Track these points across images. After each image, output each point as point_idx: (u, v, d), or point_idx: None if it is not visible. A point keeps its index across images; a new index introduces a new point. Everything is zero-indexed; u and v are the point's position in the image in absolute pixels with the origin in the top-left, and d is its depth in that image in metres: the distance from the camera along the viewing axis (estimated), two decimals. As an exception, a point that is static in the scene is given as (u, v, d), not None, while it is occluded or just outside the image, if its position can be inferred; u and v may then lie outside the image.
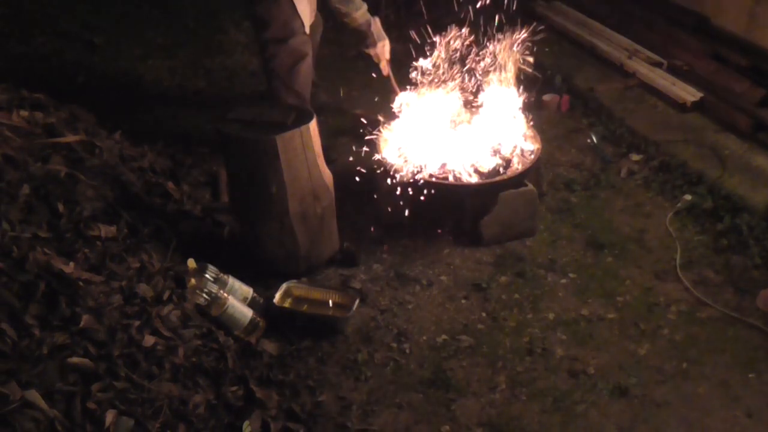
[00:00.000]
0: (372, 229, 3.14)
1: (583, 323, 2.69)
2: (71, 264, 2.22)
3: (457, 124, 3.35)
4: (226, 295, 2.55)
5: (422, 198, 3.01)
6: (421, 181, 3.01)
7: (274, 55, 3.36)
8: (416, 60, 3.33)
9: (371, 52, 3.50)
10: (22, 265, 2.09)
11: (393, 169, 3.06)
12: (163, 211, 2.93)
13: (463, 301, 2.81)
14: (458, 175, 3.07)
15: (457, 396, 2.41)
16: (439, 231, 3.12)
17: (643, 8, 4.59)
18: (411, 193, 3.02)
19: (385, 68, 3.55)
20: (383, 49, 3.50)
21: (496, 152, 3.16)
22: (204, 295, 2.51)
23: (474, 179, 3.06)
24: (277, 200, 2.72)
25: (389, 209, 3.11)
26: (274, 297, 2.72)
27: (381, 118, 3.33)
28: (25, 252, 2.13)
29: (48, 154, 2.65)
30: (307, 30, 3.39)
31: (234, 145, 2.73)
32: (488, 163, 3.12)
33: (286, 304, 2.76)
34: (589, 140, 3.77)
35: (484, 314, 2.75)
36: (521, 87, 3.30)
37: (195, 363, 2.30)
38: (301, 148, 2.68)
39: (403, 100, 3.32)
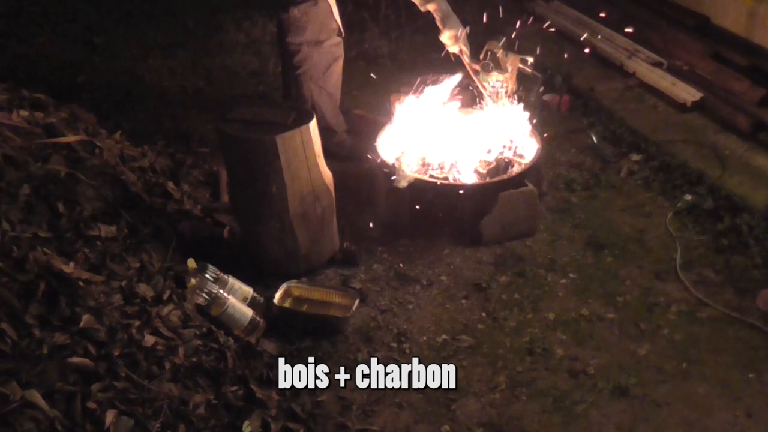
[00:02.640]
0: (372, 228, 3.14)
1: (583, 323, 2.69)
2: (71, 264, 2.22)
3: (457, 123, 3.35)
4: (226, 295, 2.55)
5: (422, 198, 3.01)
6: (422, 181, 3.01)
7: (308, 57, 3.31)
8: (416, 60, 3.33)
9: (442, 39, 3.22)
10: (22, 265, 2.09)
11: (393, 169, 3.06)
12: (163, 211, 2.93)
13: (463, 301, 2.81)
14: (458, 175, 3.07)
15: (457, 396, 2.41)
16: (440, 231, 3.12)
17: (643, 8, 4.60)
18: (411, 193, 3.03)
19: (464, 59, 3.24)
20: (451, 38, 3.18)
21: (495, 152, 3.16)
22: (204, 295, 2.51)
23: (474, 179, 3.06)
24: (277, 200, 2.72)
25: (389, 209, 3.11)
26: (274, 297, 2.72)
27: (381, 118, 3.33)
28: (25, 252, 2.13)
29: (48, 154, 2.65)
30: (342, 32, 3.36)
31: (234, 145, 2.73)
32: (488, 163, 3.12)
33: (286, 304, 2.76)
34: (589, 140, 3.78)
35: (484, 314, 2.75)
36: (521, 87, 3.30)
37: (195, 363, 2.30)
38: (301, 148, 2.68)
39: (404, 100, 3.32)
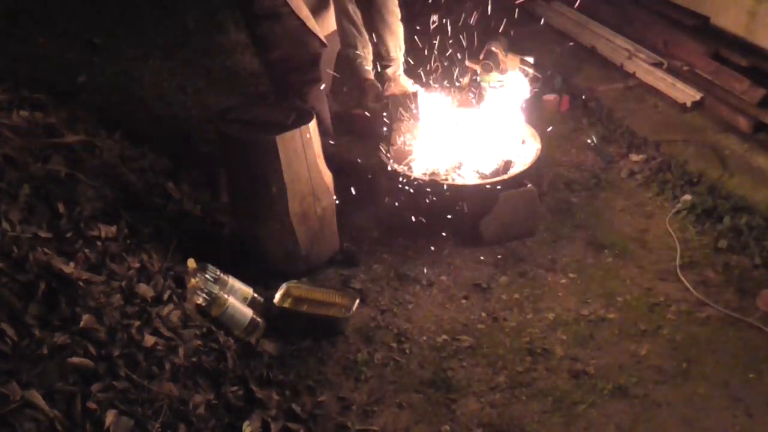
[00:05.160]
0: (372, 228, 3.14)
1: (584, 323, 2.69)
2: (71, 264, 2.22)
3: (457, 124, 3.35)
4: (226, 295, 2.55)
5: (422, 198, 3.01)
6: (422, 182, 3.01)
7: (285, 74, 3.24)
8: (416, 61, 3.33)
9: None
10: (22, 265, 2.09)
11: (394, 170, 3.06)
12: (163, 211, 2.93)
13: (464, 301, 2.81)
14: (458, 175, 3.07)
15: (457, 396, 2.41)
16: (440, 231, 3.12)
17: (643, 8, 4.59)
18: (411, 193, 3.03)
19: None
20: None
21: (496, 152, 3.16)
22: (204, 295, 2.51)
23: (474, 179, 3.06)
24: (277, 200, 2.72)
25: (389, 209, 3.11)
26: (274, 297, 2.72)
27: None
28: (25, 252, 2.13)
29: (48, 154, 2.65)
30: (325, 43, 3.22)
31: (234, 145, 2.73)
32: (488, 163, 3.12)
33: (286, 304, 2.76)
34: (589, 140, 3.78)
35: (484, 314, 2.74)
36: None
37: (195, 363, 2.30)
38: (301, 148, 2.68)
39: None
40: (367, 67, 3.30)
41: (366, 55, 3.24)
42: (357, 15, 3.14)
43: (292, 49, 3.15)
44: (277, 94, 3.38)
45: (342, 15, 3.15)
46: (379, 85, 3.35)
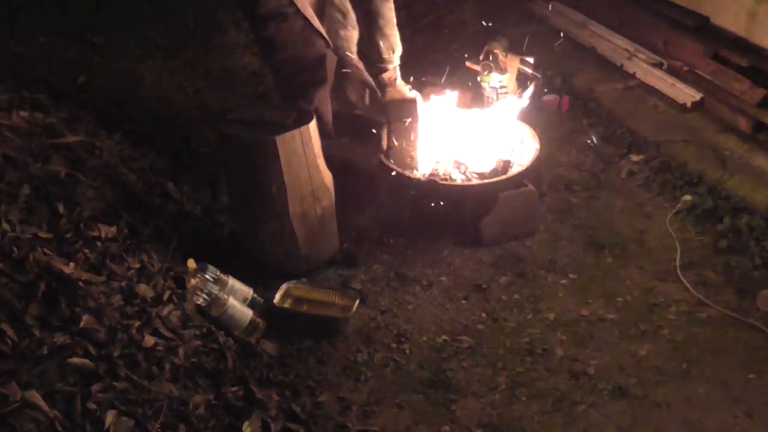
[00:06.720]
0: (372, 229, 3.13)
1: (584, 323, 2.69)
2: (71, 264, 2.22)
3: (457, 124, 3.35)
4: (226, 295, 2.55)
5: (423, 198, 3.01)
6: (422, 182, 3.01)
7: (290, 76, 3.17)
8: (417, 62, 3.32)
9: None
10: (22, 265, 2.09)
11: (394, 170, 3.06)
12: (163, 211, 2.93)
13: (463, 302, 2.81)
14: (458, 176, 3.07)
15: (457, 396, 2.41)
16: (440, 231, 3.12)
17: (643, 8, 4.59)
18: (412, 193, 3.03)
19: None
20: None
21: (496, 153, 3.16)
22: (204, 295, 2.51)
23: (474, 179, 3.07)
24: (277, 200, 2.72)
25: (389, 209, 3.12)
26: (274, 297, 2.72)
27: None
28: (25, 252, 2.13)
29: (48, 154, 2.65)
30: (330, 43, 3.18)
31: (234, 145, 2.73)
32: (488, 164, 3.12)
33: (286, 305, 2.75)
34: (589, 140, 3.78)
35: (484, 314, 2.75)
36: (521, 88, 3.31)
37: (195, 363, 2.30)
38: (301, 148, 2.68)
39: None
40: (351, 50, 3.26)
41: (349, 37, 3.20)
42: (343, 3, 3.15)
43: (299, 49, 3.15)
44: (283, 96, 3.36)
45: (328, 4, 3.15)
46: (365, 72, 3.27)
